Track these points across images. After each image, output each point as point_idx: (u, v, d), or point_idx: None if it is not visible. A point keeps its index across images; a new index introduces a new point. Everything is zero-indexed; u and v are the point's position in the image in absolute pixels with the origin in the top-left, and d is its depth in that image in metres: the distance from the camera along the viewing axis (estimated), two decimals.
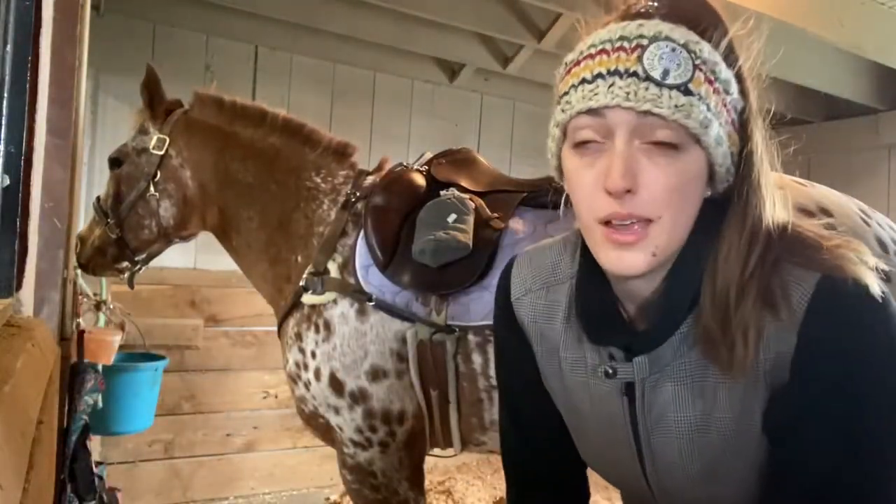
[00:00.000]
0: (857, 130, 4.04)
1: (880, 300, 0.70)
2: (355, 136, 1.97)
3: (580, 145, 0.74)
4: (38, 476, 0.78)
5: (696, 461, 0.80)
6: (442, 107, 3.89)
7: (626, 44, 0.70)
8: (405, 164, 1.84)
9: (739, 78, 0.75)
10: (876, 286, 0.70)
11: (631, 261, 0.72)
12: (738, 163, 0.75)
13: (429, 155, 1.87)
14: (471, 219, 1.63)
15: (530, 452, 1.02)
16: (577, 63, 0.74)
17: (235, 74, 3.29)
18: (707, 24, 0.73)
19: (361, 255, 1.67)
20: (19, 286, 1.02)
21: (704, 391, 0.77)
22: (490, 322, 1.57)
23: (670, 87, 0.68)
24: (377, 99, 3.70)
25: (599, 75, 0.70)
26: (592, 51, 0.73)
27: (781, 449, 0.74)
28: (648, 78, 0.68)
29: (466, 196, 1.69)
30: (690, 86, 0.69)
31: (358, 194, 1.77)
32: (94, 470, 1.55)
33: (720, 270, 0.73)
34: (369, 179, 1.82)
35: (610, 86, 0.69)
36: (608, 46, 0.71)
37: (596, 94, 0.70)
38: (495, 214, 1.67)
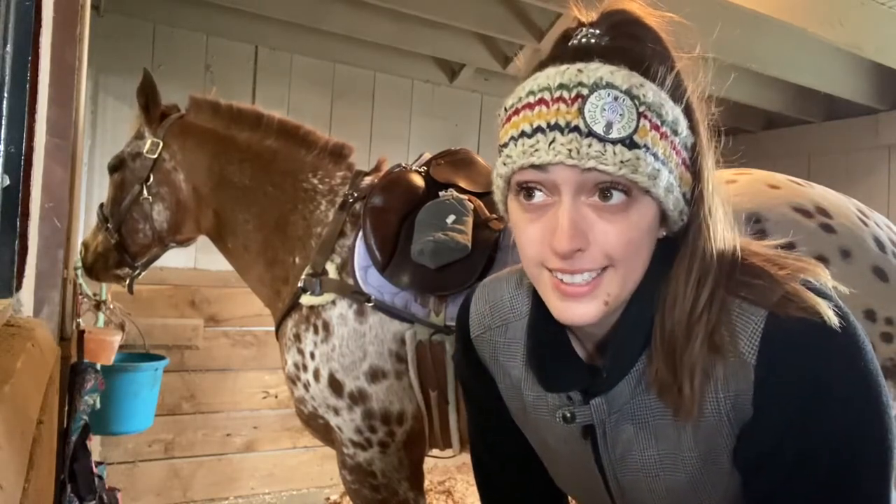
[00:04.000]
0: (857, 130, 4.04)
1: (835, 328, 0.67)
2: (355, 137, 1.97)
3: (524, 198, 0.71)
4: (38, 476, 0.78)
5: (666, 497, 0.79)
6: (442, 107, 3.89)
7: (565, 93, 0.66)
8: (403, 164, 1.84)
9: (688, 111, 0.71)
10: (829, 314, 0.67)
11: (581, 311, 0.70)
12: (691, 200, 0.72)
13: (427, 155, 1.87)
14: (469, 220, 1.63)
15: (506, 478, 1.01)
16: (517, 111, 0.70)
17: (235, 74, 3.30)
18: (651, 58, 0.69)
19: (360, 256, 1.67)
20: (19, 286, 1.02)
21: (666, 429, 0.76)
22: None
23: (614, 142, 0.65)
24: (377, 99, 3.70)
25: (539, 129, 0.67)
26: (531, 99, 0.69)
27: (752, 484, 0.73)
28: (591, 133, 0.65)
29: (465, 197, 1.69)
30: (636, 137, 0.65)
31: (356, 195, 1.77)
32: (94, 470, 1.56)
33: (668, 313, 0.71)
34: (367, 180, 1.82)
35: (551, 142, 0.66)
36: (547, 96, 0.67)
37: (537, 151, 0.66)
38: (494, 215, 1.67)
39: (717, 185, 0.74)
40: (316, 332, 1.68)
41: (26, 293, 1.08)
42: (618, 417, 0.78)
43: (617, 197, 0.67)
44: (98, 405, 1.63)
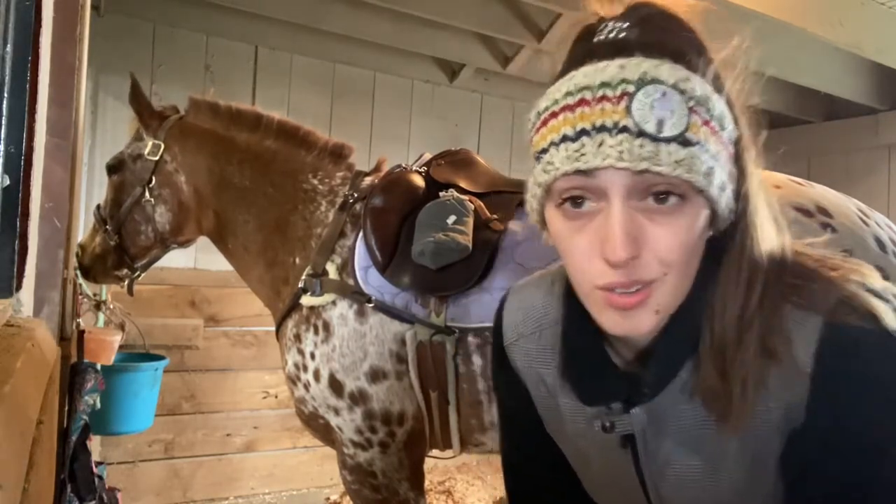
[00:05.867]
0: (857, 130, 4.04)
1: (892, 332, 0.63)
2: (355, 137, 1.97)
3: (567, 207, 0.66)
4: (38, 476, 0.78)
5: None
6: (442, 107, 3.89)
7: (608, 91, 0.61)
8: (403, 165, 1.84)
9: (730, 105, 0.67)
10: (888, 317, 0.64)
11: (634, 323, 0.66)
12: (737, 198, 0.68)
13: (427, 156, 1.87)
14: (470, 220, 1.63)
15: (538, 482, 0.98)
16: (554, 114, 0.65)
17: (235, 74, 3.30)
18: (689, 50, 0.65)
19: (360, 257, 1.67)
20: (19, 286, 1.02)
21: (711, 440, 0.72)
22: (489, 324, 1.57)
23: (667, 141, 0.60)
24: (377, 99, 3.70)
25: (584, 131, 0.62)
26: (570, 100, 0.63)
27: (796, 492, 0.69)
28: (642, 133, 0.60)
29: (466, 197, 1.69)
30: (688, 134, 0.61)
31: (356, 195, 1.77)
32: (94, 470, 1.55)
33: (717, 317, 0.68)
34: (367, 180, 1.82)
35: (599, 145, 0.61)
36: (588, 95, 0.62)
37: (583, 155, 0.62)
38: (494, 216, 1.67)
39: (760, 182, 0.70)
40: (316, 332, 1.67)
41: (26, 293, 1.08)
42: (659, 427, 0.74)
43: (671, 199, 0.63)
44: (98, 405, 1.62)
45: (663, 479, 0.77)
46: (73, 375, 1.54)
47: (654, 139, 0.60)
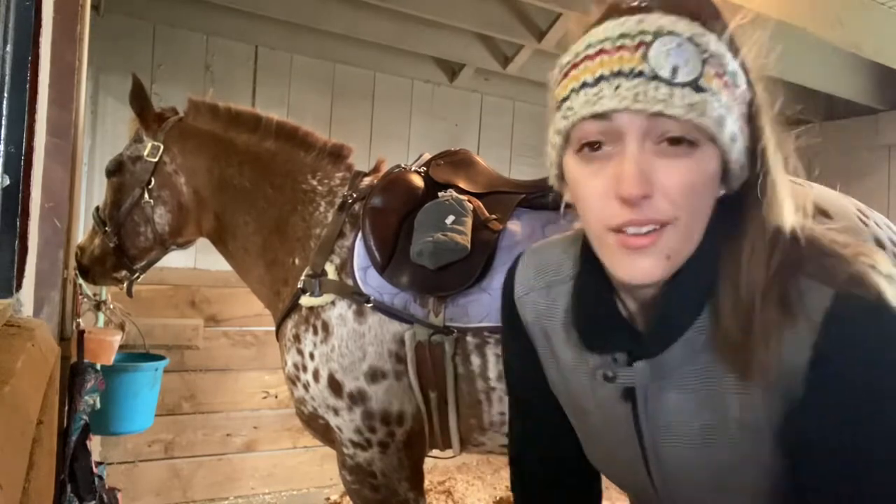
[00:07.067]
0: (857, 130, 4.04)
1: None
2: (355, 137, 1.97)
3: (586, 152, 0.70)
4: (38, 476, 0.78)
5: (705, 470, 0.77)
6: (442, 107, 3.89)
7: (627, 41, 0.66)
8: (403, 165, 1.84)
9: (744, 69, 0.71)
10: (894, 297, 0.66)
11: (645, 267, 0.69)
12: (751, 159, 0.71)
13: (427, 156, 1.87)
14: (469, 220, 1.63)
15: (539, 452, 1.00)
16: (575, 65, 0.70)
17: (235, 74, 3.30)
18: (707, 17, 0.69)
19: (359, 257, 1.67)
20: (19, 286, 1.02)
21: (713, 399, 0.74)
22: (488, 324, 1.57)
23: (681, 85, 0.64)
24: (377, 99, 3.70)
25: (602, 77, 0.66)
26: (591, 51, 0.68)
27: (799, 468, 0.70)
28: (657, 77, 0.64)
29: (465, 197, 1.69)
30: (701, 81, 0.65)
31: (355, 195, 1.77)
32: (94, 470, 1.56)
33: (744, 273, 0.70)
34: (366, 181, 1.82)
35: (616, 88, 0.65)
36: (608, 45, 0.67)
37: (601, 98, 0.66)
38: (493, 216, 1.67)
39: (778, 146, 0.74)
40: (315, 332, 1.68)
41: (26, 293, 1.08)
42: (662, 384, 0.76)
43: (683, 144, 0.67)
44: (98, 405, 1.63)
45: (662, 437, 0.79)
46: (73, 375, 1.54)
47: (669, 83, 0.64)
